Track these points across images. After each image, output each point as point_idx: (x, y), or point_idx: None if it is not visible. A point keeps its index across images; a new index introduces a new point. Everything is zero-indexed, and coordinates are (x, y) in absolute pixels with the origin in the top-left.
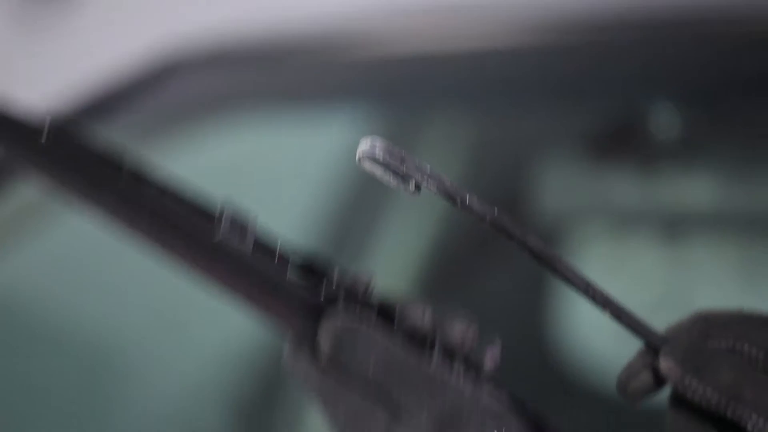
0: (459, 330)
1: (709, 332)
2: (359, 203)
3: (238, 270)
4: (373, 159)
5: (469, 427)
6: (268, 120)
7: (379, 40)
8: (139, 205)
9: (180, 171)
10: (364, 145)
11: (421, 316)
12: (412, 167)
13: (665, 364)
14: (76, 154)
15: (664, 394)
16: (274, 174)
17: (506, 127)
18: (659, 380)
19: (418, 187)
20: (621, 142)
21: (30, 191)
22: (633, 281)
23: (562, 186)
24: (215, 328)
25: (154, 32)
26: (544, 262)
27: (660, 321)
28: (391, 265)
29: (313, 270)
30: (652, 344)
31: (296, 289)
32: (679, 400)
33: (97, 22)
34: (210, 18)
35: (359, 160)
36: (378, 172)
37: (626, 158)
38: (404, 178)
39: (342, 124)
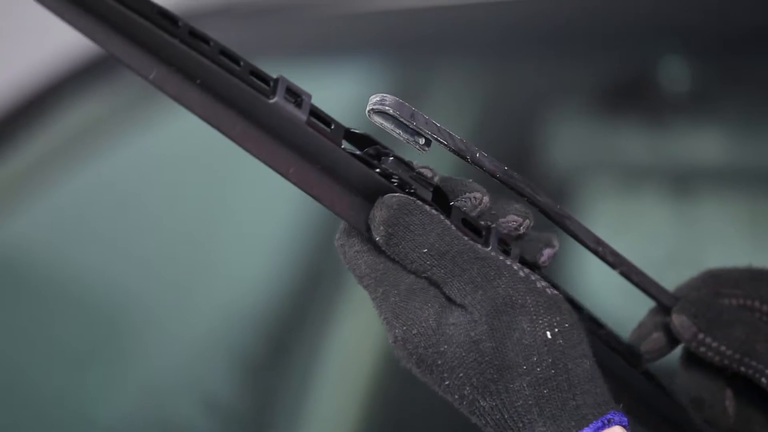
0: (514, 220)
1: (719, 290)
2: None
3: (292, 134)
4: (383, 114)
5: (524, 312)
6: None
7: None
8: (197, 57)
9: (187, 125)
10: (374, 100)
11: (478, 202)
12: (422, 122)
13: (678, 320)
14: (133, 4)
15: (674, 353)
16: None
17: (515, 81)
18: (672, 340)
19: (427, 143)
20: (631, 95)
21: (36, 148)
22: (642, 237)
23: (571, 140)
24: (222, 287)
25: None
26: (555, 219)
27: (669, 278)
28: None
29: (369, 147)
30: (663, 303)
31: (351, 161)
32: (691, 358)
33: None
34: None
35: (369, 114)
36: (388, 126)
37: (636, 112)
38: (414, 133)
39: (351, 77)
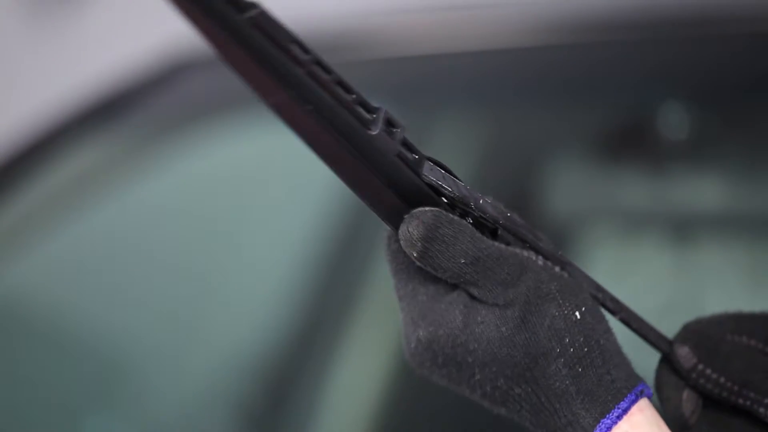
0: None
1: (735, 332)
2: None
3: (382, 164)
4: None
5: (551, 299)
6: (276, 120)
7: (389, 40)
8: (316, 87)
9: (186, 170)
10: None
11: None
12: (426, 169)
13: (680, 350)
14: (272, 33)
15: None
16: (282, 174)
17: (516, 128)
18: (700, 392)
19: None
20: (630, 142)
21: (37, 196)
22: (642, 284)
23: (571, 186)
24: (222, 333)
25: (161, 33)
26: (556, 265)
27: (667, 324)
28: None
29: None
30: (662, 350)
31: (423, 189)
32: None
33: (105, 24)
34: None
35: None
36: None
37: (636, 159)
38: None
39: None
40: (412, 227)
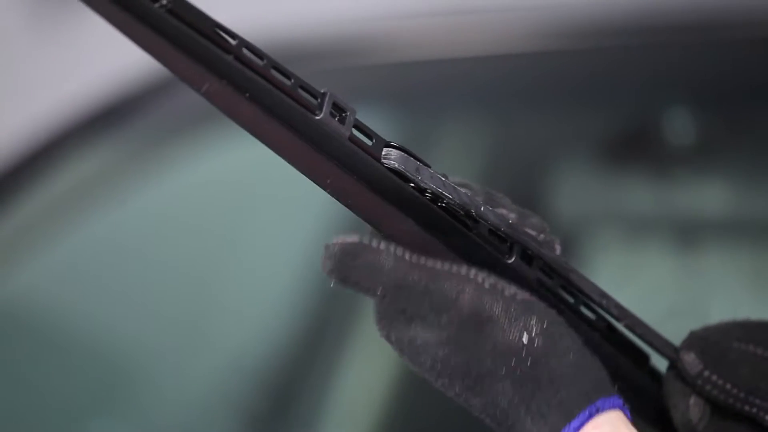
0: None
1: (743, 339)
2: None
3: (334, 148)
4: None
5: (493, 322)
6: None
7: (394, 45)
8: (249, 73)
9: (190, 176)
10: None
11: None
12: (426, 177)
13: (686, 357)
14: (192, 20)
15: None
16: (285, 179)
17: (520, 133)
18: (708, 399)
19: (433, 196)
20: (635, 148)
21: (39, 202)
22: (646, 289)
23: (575, 192)
24: (226, 338)
25: None
26: (559, 273)
27: (671, 330)
28: None
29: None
30: (667, 356)
31: (387, 174)
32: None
33: (107, 28)
34: None
35: None
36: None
37: (640, 164)
38: (418, 186)
39: None
40: (324, 257)
